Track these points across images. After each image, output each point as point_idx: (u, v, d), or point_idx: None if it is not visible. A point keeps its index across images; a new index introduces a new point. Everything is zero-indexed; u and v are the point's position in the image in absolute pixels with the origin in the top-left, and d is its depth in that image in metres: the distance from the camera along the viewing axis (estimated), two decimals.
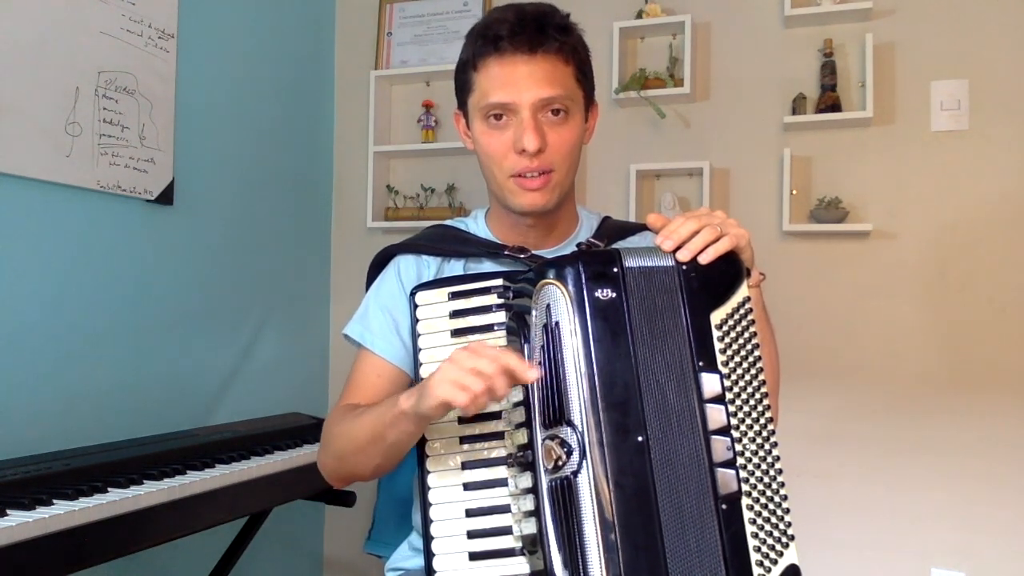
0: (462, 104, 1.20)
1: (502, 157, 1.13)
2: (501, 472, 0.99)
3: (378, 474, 1.15)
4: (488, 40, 1.12)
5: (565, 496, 0.90)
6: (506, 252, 1.17)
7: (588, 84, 1.19)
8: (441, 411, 0.93)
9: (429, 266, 1.22)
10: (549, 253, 1.18)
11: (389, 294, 1.21)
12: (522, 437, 0.95)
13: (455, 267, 1.22)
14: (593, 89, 1.21)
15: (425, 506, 1.00)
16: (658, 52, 2.57)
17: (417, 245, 1.24)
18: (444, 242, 1.24)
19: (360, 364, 1.21)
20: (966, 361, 2.28)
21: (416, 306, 1.07)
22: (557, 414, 0.91)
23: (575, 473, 0.89)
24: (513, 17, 1.11)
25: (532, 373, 0.89)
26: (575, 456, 0.90)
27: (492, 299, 1.04)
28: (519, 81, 1.10)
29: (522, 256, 1.15)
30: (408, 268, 1.22)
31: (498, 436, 1.00)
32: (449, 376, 0.89)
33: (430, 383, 0.91)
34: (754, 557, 0.89)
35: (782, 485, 0.92)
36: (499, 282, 1.05)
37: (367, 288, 1.27)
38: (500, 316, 1.04)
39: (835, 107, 2.35)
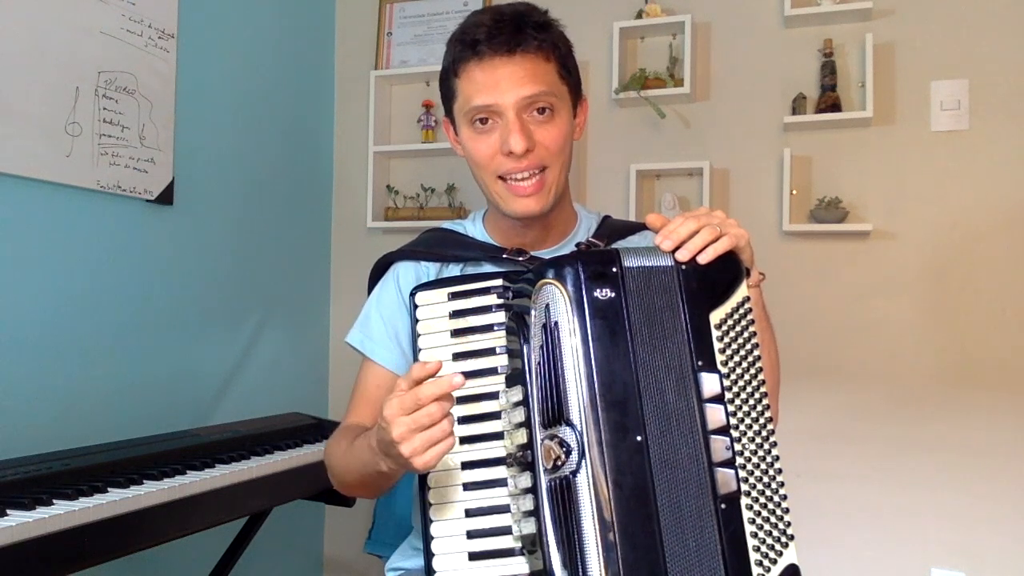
0: (448, 111, 1.21)
1: (489, 160, 1.13)
2: (501, 472, 0.99)
3: (381, 494, 1.20)
4: (466, 45, 1.11)
5: (564, 496, 0.90)
6: (505, 255, 1.17)
7: (573, 79, 1.17)
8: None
9: (428, 272, 1.22)
10: (548, 253, 1.19)
11: (388, 302, 1.23)
12: (521, 437, 0.95)
13: (454, 272, 1.22)
14: (579, 84, 1.20)
15: (425, 506, 1.00)
16: (658, 52, 2.57)
17: (415, 251, 1.25)
18: (443, 247, 1.25)
19: (363, 374, 1.23)
20: (966, 361, 2.28)
21: (416, 306, 1.07)
22: (556, 414, 0.91)
23: (574, 473, 0.89)
24: (490, 20, 1.11)
25: (456, 379, 0.88)
26: (574, 456, 0.90)
27: (492, 299, 1.04)
28: (500, 82, 1.09)
29: (521, 259, 1.15)
30: (407, 275, 1.23)
31: (498, 436, 1.00)
32: (419, 441, 0.88)
33: (408, 459, 0.89)
34: (753, 557, 0.89)
35: (782, 485, 0.92)
36: (499, 282, 1.05)
37: (369, 295, 1.28)
38: (500, 316, 1.04)
39: (835, 107, 2.35)
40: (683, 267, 0.96)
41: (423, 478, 1.01)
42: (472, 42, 1.10)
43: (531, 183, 1.12)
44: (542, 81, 1.11)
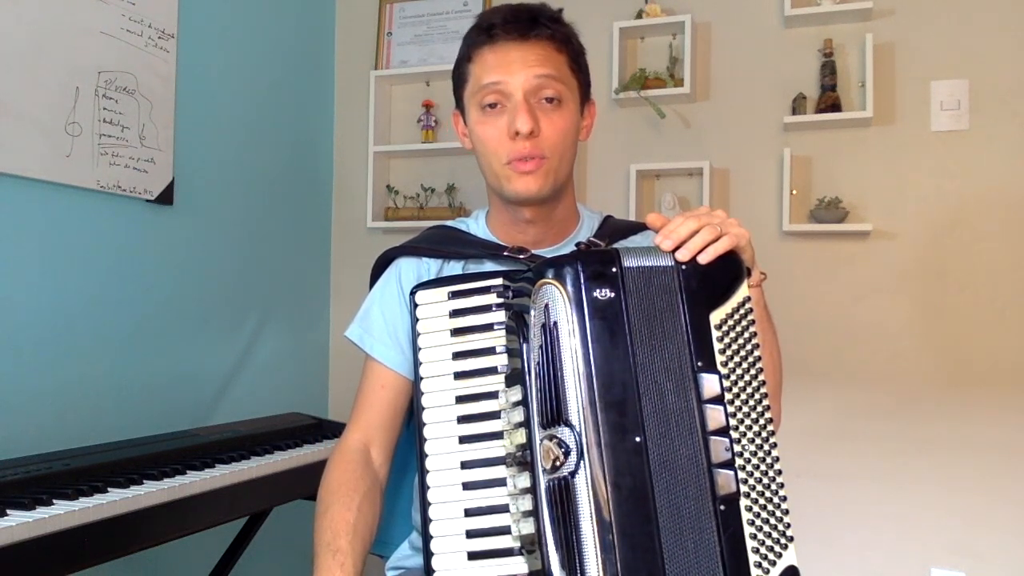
0: (459, 101, 1.21)
1: (497, 144, 1.13)
2: (500, 472, 0.99)
3: None
4: (482, 31, 1.14)
5: (563, 496, 0.89)
6: (506, 253, 1.17)
7: (583, 77, 1.19)
8: None
9: (430, 269, 1.22)
10: (549, 252, 1.18)
11: (389, 298, 1.22)
12: (521, 437, 0.94)
13: (455, 269, 1.22)
14: (589, 85, 1.22)
15: (425, 505, 1.00)
16: (658, 52, 2.57)
17: (417, 248, 1.24)
18: (444, 243, 1.24)
19: (366, 374, 1.22)
20: (966, 361, 2.28)
21: (416, 305, 1.07)
22: (555, 414, 0.91)
23: (573, 473, 0.89)
24: (507, 10, 1.15)
25: None
26: (572, 456, 0.89)
27: (492, 298, 1.04)
28: (512, 63, 1.12)
29: (522, 257, 1.15)
30: (408, 271, 1.22)
31: (497, 436, 1.00)
32: None
33: None
34: (752, 558, 0.89)
35: (781, 486, 0.92)
36: (499, 281, 1.04)
37: (371, 290, 1.28)
38: (500, 316, 1.04)
39: (835, 107, 2.35)
40: (683, 267, 0.95)
41: (423, 477, 1.01)
42: (488, 27, 1.14)
43: (531, 163, 1.12)
44: (552, 66, 1.13)
